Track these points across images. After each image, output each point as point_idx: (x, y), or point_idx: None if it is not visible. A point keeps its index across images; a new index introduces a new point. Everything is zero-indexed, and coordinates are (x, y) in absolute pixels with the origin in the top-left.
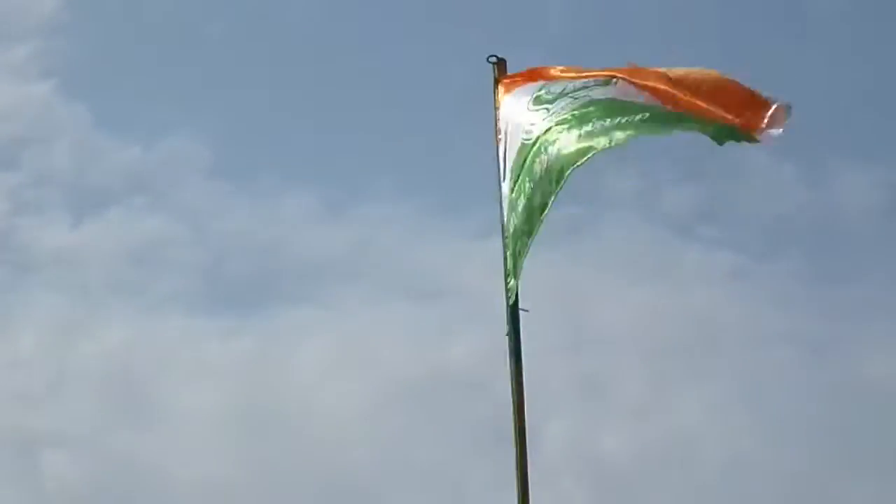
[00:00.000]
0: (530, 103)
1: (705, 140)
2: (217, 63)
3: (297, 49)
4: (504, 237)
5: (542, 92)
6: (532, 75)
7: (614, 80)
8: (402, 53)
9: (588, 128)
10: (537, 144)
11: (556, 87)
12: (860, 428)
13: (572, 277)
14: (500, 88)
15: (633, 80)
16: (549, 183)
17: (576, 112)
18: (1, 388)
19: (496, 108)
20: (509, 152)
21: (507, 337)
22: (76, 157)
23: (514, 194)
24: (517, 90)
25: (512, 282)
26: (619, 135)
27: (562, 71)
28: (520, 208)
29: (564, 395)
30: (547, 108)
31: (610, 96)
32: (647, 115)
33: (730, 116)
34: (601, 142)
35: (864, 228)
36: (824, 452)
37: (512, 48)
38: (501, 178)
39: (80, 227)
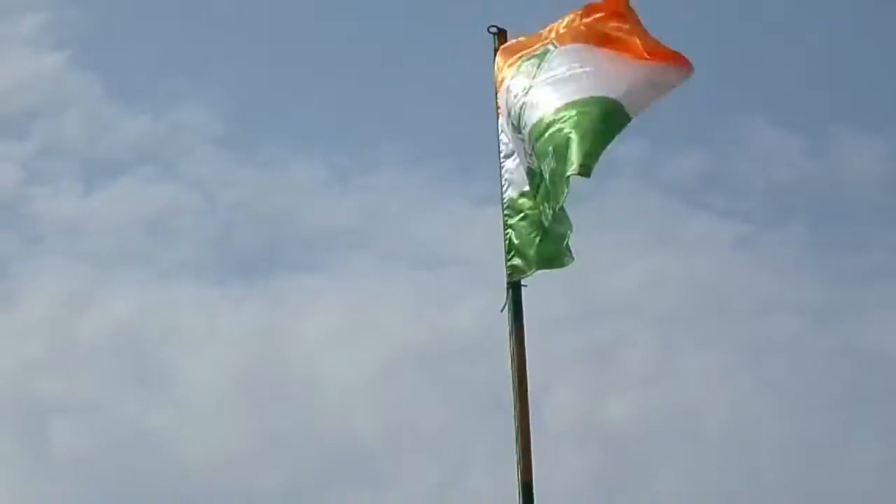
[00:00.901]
0: (517, 69)
1: (709, 108)
2: (226, 32)
3: (305, 17)
4: (504, 212)
5: (522, 60)
6: (526, 44)
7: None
8: (408, 21)
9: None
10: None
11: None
12: (864, 395)
13: (577, 245)
14: (499, 59)
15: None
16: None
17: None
18: (10, 357)
19: (495, 80)
20: (522, 153)
21: (503, 313)
22: (87, 127)
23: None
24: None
25: (516, 260)
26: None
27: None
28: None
29: (569, 362)
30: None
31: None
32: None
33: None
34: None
35: (868, 197)
36: (829, 420)
37: (516, 19)
38: (502, 154)
39: (91, 197)
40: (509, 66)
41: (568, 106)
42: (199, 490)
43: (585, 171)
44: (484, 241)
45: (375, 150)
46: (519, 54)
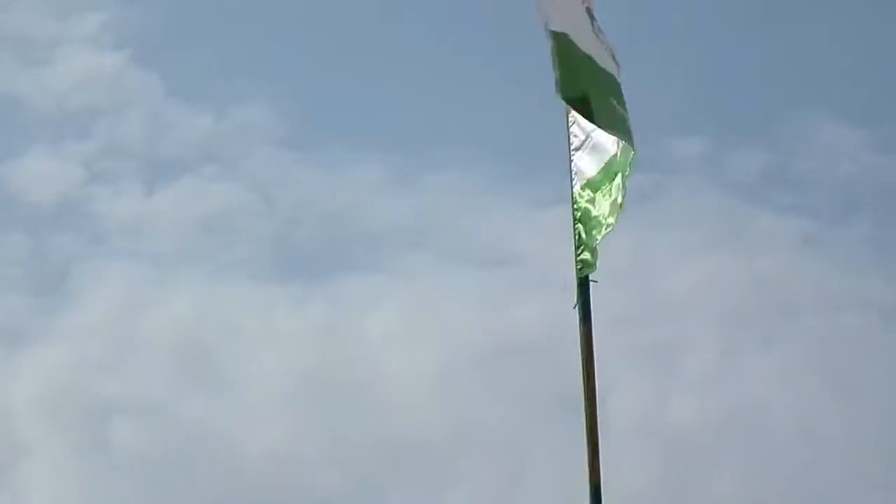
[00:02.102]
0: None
1: (772, 103)
2: (287, 32)
3: (367, 18)
4: (574, 208)
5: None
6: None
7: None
8: (471, 20)
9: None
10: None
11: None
12: None
13: (640, 245)
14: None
15: None
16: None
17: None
18: (72, 357)
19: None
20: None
21: (574, 309)
22: (148, 127)
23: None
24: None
25: (585, 255)
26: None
27: None
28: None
29: (632, 362)
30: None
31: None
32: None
33: None
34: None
35: None
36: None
37: None
38: (573, 147)
39: (152, 197)
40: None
41: None
42: (260, 489)
43: None
44: (545, 241)
45: (436, 150)
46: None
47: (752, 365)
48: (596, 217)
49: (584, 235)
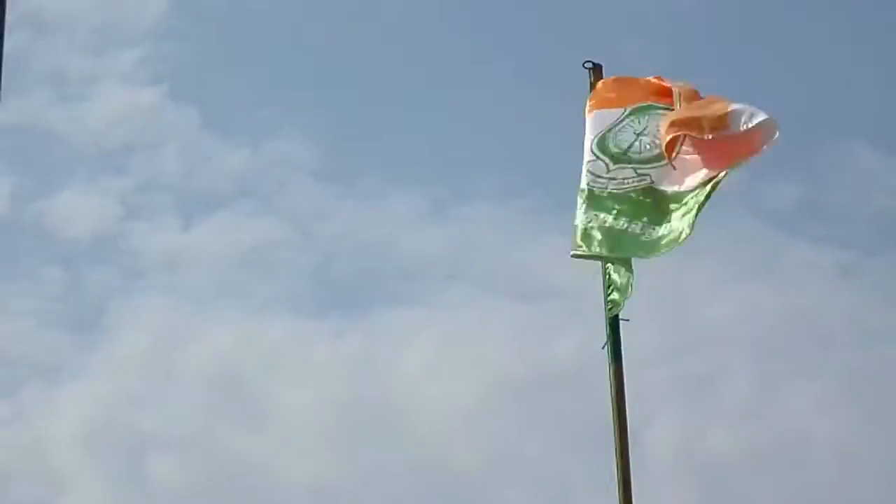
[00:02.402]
0: (594, 144)
1: (807, 133)
2: (322, 65)
3: (402, 51)
4: None
5: (610, 137)
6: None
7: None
8: (507, 56)
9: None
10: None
11: (624, 138)
12: None
13: (676, 275)
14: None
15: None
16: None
17: (632, 199)
18: (110, 390)
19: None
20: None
21: (604, 349)
22: (185, 162)
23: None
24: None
25: (616, 295)
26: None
27: (639, 90)
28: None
29: (670, 394)
30: (607, 167)
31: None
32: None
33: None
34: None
35: None
36: None
37: (611, 53)
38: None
39: (189, 231)
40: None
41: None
42: None
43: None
44: (581, 272)
45: (473, 182)
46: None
47: (790, 395)
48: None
49: (614, 276)
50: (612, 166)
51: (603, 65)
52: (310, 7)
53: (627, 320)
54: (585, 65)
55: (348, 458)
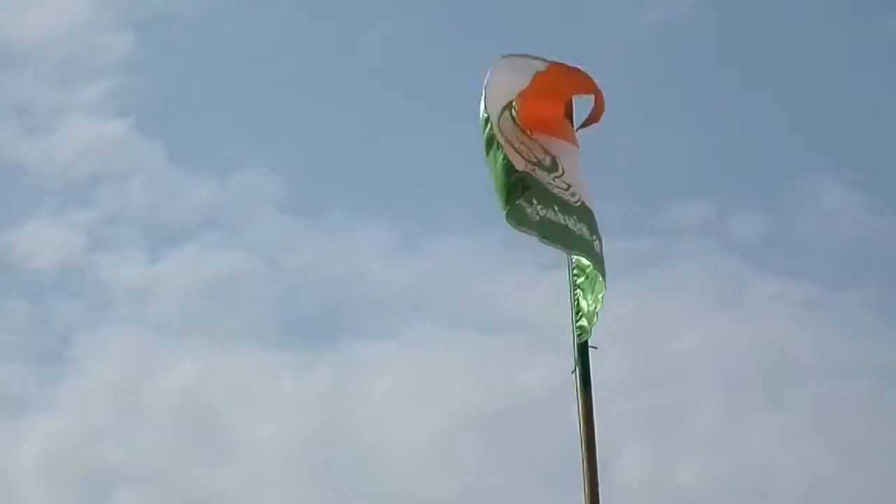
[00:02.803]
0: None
1: (774, 167)
2: (289, 98)
3: (369, 84)
4: (572, 274)
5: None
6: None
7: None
8: (472, 88)
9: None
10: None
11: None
12: None
13: (645, 308)
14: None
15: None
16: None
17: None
18: (76, 423)
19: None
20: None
21: (573, 374)
22: (151, 194)
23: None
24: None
25: (584, 321)
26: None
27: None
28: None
29: (637, 425)
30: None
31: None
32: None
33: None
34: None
35: None
36: None
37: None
38: None
39: (156, 264)
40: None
41: None
42: None
43: None
44: (548, 306)
45: (439, 214)
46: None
47: (758, 427)
48: (599, 284)
49: (582, 303)
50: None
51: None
52: (279, 42)
53: (596, 347)
54: None
55: (315, 491)
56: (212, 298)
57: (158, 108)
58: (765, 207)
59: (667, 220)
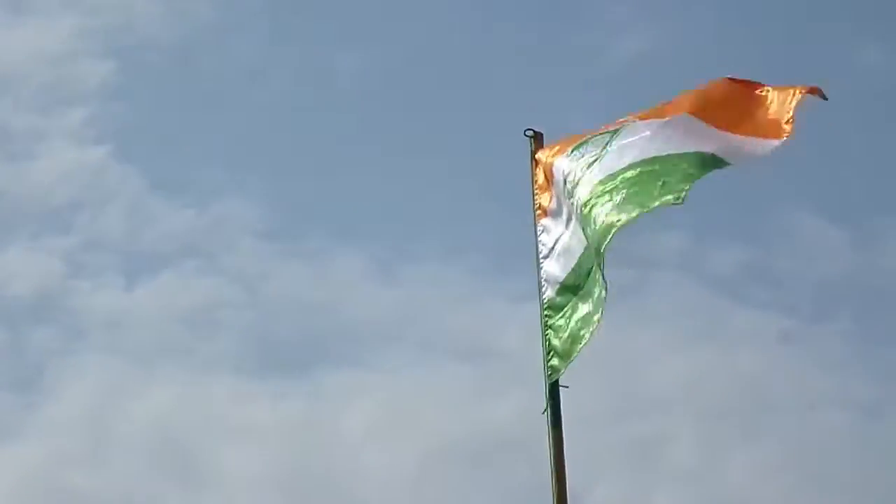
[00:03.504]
0: (572, 150)
1: (753, 200)
2: (267, 125)
3: (347, 114)
4: (544, 313)
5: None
6: (565, 145)
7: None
8: (448, 119)
9: (620, 197)
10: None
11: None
12: None
13: (622, 340)
14: (537, 165)
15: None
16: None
17: (612, 178)
18: (47, 452)
19: (534, 184)
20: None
21: (544, 414)
22: (130, 221)
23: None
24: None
25: (556, 361)
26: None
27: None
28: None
29: (613, 459)
30: (587, 161)
31: (646, 153)
32: (680, 165)
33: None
34: (633, 211)
35: None
36: None
37: (551, 121)
38: (541, 255)
39: (133, 291)
40: (553, 156)
41: (632, 166)
42: None
43: (679, 198)
44: (524, 334)
45: (416, 243)
46: (566, 146)
47: (733, 461)
48: (575, 327)
49: (554, 341)
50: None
51: (543, 133)
52: (256, 70)
53: (567, 387)
54: (526, 133)
55: None
56: (188, 326)
57: (137, 136)
58: (743, 240)
59: (645, 252)
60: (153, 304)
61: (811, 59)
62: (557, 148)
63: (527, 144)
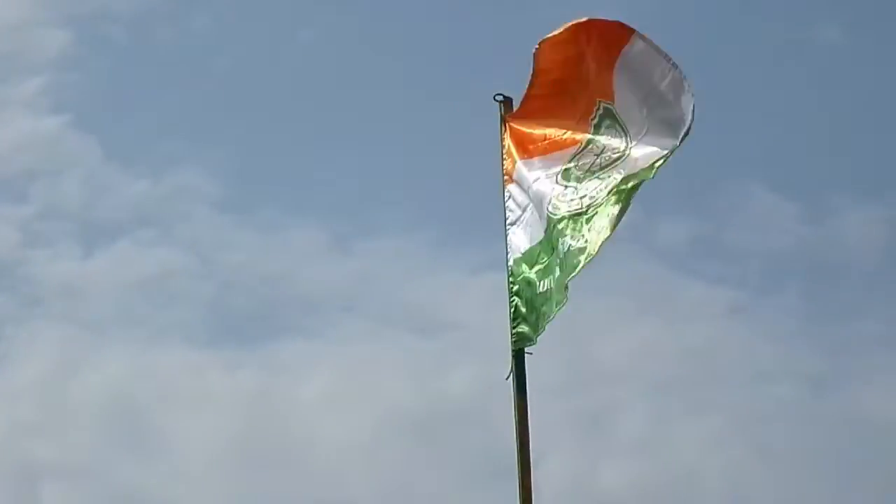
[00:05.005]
0: (559, 177)
1: (704, 173)
2: (224, 97)
3: (304, 83)
4: (510, 281)
5: (572, 166)
6: (531, 115)
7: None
8: (412, 87)
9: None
10: (561, 224)
11: (585, 161)
12: (859, 462)
13: (573, 312)
14: (507, 131)
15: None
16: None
17: (598, 206)
18: (3, 419)
19: (502, 149)
20: (533, 224)
21: (507, 380)
22: (86, 191)
23: (543, 258)
24: (538, 159)
25: (522, 328)
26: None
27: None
28: (552, 277)
29: (563, 429)
30: (575, 188)
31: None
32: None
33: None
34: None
35: (863, 265)
36: (824, 487)
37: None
38: (508, 221)
39: (89, 260)
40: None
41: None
42: None
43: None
44: (481, 307)
45: (372, 215)
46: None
47: (682, 432)
48: (544, 293)
49: (523, 308)
50: (579, 186)
51: (514, 98)
52: (214, 40)
53: (531, 353)
54: (496, 97)
55: (243, 490)
56: (144, 296)
57: (94, 105)
58: (693, 213)
59: None
60: (109, 273)
61: (769, 37)
62: (524, 117)
63: (491, 110)
